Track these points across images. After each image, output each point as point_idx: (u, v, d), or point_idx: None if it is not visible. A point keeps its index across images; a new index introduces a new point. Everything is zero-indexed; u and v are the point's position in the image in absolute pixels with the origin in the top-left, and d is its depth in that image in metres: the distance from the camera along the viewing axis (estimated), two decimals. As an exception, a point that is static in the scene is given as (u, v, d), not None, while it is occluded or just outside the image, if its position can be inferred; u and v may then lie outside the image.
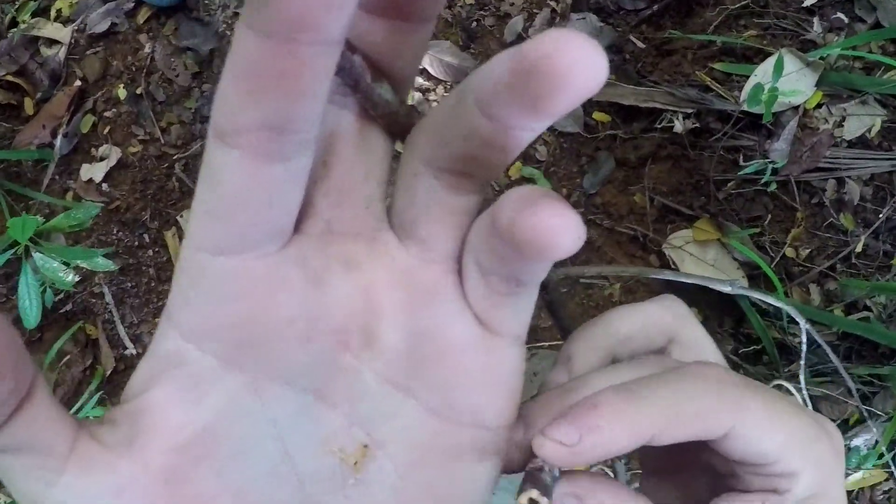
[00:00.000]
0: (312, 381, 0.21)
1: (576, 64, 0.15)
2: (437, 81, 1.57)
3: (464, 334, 0.21)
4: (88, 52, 1.56)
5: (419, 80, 1.56)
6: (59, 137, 1.52)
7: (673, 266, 1.49)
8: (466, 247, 0.20)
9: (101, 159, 1.55)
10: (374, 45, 0.19)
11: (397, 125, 0.20)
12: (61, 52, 1.54)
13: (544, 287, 0.27)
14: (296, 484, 0.21)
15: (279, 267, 0.20)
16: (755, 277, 1.46)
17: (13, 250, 1.38)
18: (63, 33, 1.55)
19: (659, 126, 1.54)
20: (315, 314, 0.20)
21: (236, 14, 1.51)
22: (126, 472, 0.19)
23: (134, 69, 1.56)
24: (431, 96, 1.58)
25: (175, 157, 1.54)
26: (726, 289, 0.81)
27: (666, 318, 0.29)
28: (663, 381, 0.22)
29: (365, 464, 0.21)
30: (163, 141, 1.54)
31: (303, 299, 0.20)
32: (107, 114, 1.56)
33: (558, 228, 0.17)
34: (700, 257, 1.49)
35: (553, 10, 1.57)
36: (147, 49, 1.56)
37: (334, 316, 0.20)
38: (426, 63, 1.54)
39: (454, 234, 0.20)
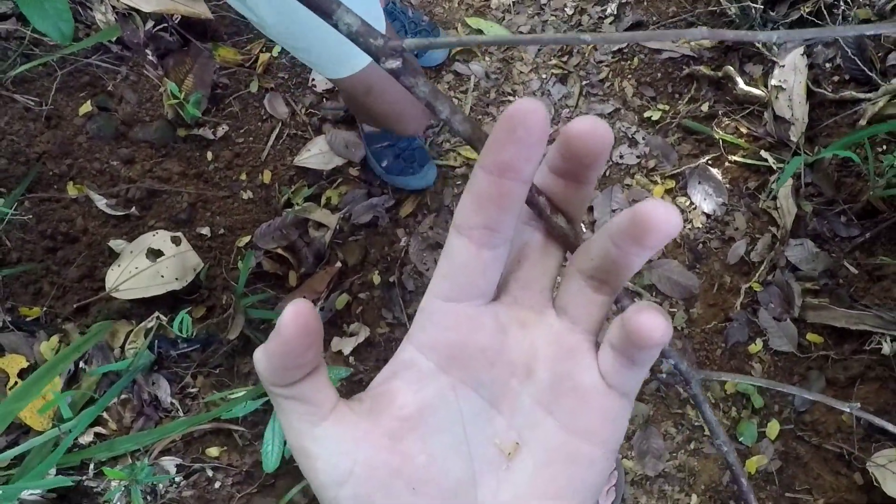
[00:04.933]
0: (490, 393, 0.32)
1: (661, 220, 0.27)
2: (664, 297, 1.69)
3: (590, 381, 0.32)
4: (350, 239, 1.72)
5: (650, 295, 1.69)
6: (316, 310, 1.66)
7: (876, 483, 1.54)
8: (607, 333, 0.31)
9: (351, 335, 1.67)
10: (555, 192, 0.31)
11: (568, 244, 0.32)
12: (327, 236, 1.71)
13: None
14: (467, 460, 0.31)
15: (481, 315, 0.31)
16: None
17: (264, 399, 1.50)
18: (330, 219, 1.71)
19: (868, 348, 1.62)
20: (498, 349, 0.32)
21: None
22: (364, 427, 0.30)
23: (389, 259, 1.71)
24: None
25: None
26: None
27: None
28: None
29: (514, 456, 0.31)
30: (408, 327, 1.67)
31: (492, 338, 0.32)
32: (361, 295, 1.70)
33: (652, 325, 0.28)
34: (902, 475, 1.54)
35: (773, 236, 1.71)
36: (403, 242, 1.72)
37: (510, 354, 0.32)
38: (655, 280, 1.68)
39: (593, 317, 0.32)
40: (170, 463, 1.60)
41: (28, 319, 1.69)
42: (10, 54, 1.73)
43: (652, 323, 0.28)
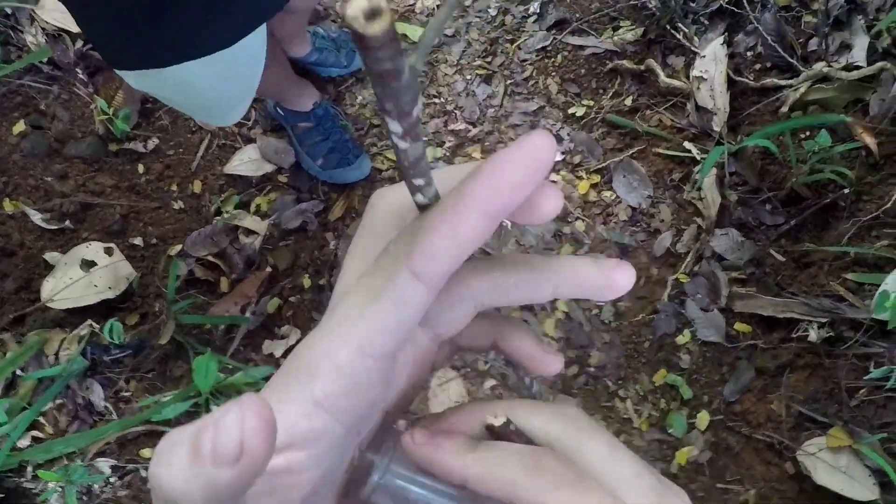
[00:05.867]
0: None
1: (621, 278, 0.27)
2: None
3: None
4: (280, 244, 1.75)
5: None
6: (248, 314, 1.70)
7: (805, 472, 1.54)
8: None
9: (283, 338, 1.71)
10: None
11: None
12: (257, 242, 1.74)
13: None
14: None
15: (393, 366, 0.27)
16: (886, 485, 1.49)
17: (194, 400, 1.54)
18: (260, 225, 1.75)
19: (796, 336, 1.62)
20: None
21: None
22: None
23: (319, 263, 1.74)
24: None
25: (347, 342, 1.69)
26: None
27: (552, 430, 0.28)
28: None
29: None
30: (338, 327, 1.70)
31: (388, 384, 0.28)
32: (291, 299, 1.73)
33: (554, 361, 0.30)
34: (832, 464, 1.53)
35: (699, 227, 1.71)
36: (332, 246, 1.75)
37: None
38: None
39: (454, 330, 0.30)
40: (104, 464, 1.64)
41: (-33, 331, 1.74)
42: (-56, 78, 1.79)
43: (553, 358, 0.30)
